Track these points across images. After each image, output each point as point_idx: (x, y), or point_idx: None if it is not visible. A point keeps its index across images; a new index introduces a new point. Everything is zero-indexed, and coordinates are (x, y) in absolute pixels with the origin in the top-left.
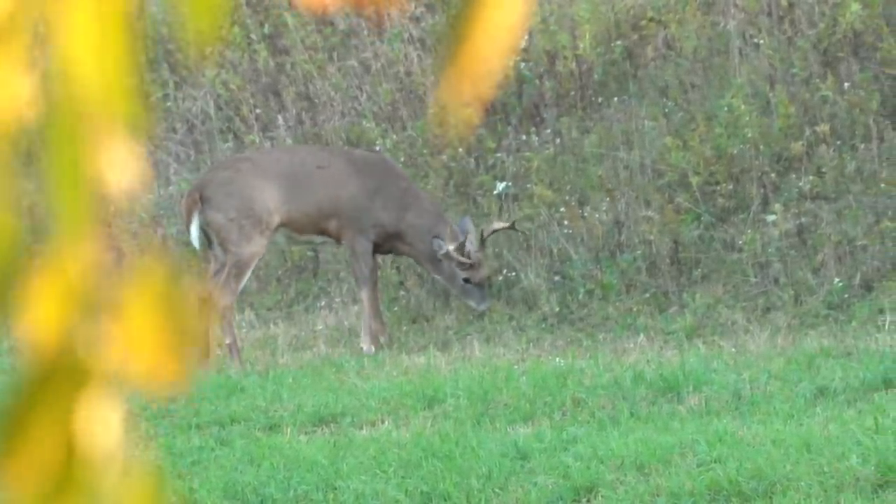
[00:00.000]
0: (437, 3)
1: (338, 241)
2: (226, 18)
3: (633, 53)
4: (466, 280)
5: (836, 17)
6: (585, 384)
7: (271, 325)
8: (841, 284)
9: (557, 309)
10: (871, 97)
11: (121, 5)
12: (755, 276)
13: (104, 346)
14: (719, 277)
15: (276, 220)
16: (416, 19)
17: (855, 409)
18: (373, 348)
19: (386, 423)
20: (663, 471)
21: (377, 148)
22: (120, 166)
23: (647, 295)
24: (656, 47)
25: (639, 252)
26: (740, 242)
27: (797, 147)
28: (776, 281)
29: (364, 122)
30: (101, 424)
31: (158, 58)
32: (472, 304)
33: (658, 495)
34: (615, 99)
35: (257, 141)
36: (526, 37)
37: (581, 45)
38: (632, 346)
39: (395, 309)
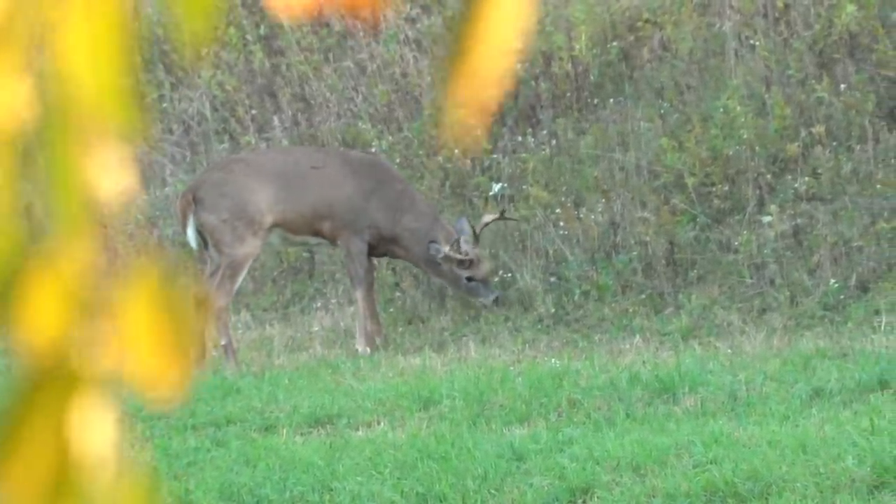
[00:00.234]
0: (433, 4)
1: (332, 242)
2: (220, 19)
3: (629, 55)
4: (470, 279)
5: (832, 18)
6: (581, 385)
7: (267, 327)
8: (837, 285)
9: (553, 310)
10: (867, 98)
11: (115, 7)
12: (751, 278)
13: (100, 348)
14: (715, 278)
15: (270, 220)
16: (412, 20)
17: (851, 410)
18: (368, 349)
19: (382, 424)
20: (659, 472)
21: (373, 149)
22: (114, 169)
23: (643, 296)
24: (652, 49)
25: (634, 253)
26: (736, 243)
27: (793, 148)
28: (772, 282)
29: (360, 124)
30: (97, 428)
31: (154, 59)
32: (481, 299)
33: (654, 496)
34: (611, 100)
35: (253, 142)
36: (522, 38)
37: (577, 47)
38: (628, 347)
39: (391, 310)
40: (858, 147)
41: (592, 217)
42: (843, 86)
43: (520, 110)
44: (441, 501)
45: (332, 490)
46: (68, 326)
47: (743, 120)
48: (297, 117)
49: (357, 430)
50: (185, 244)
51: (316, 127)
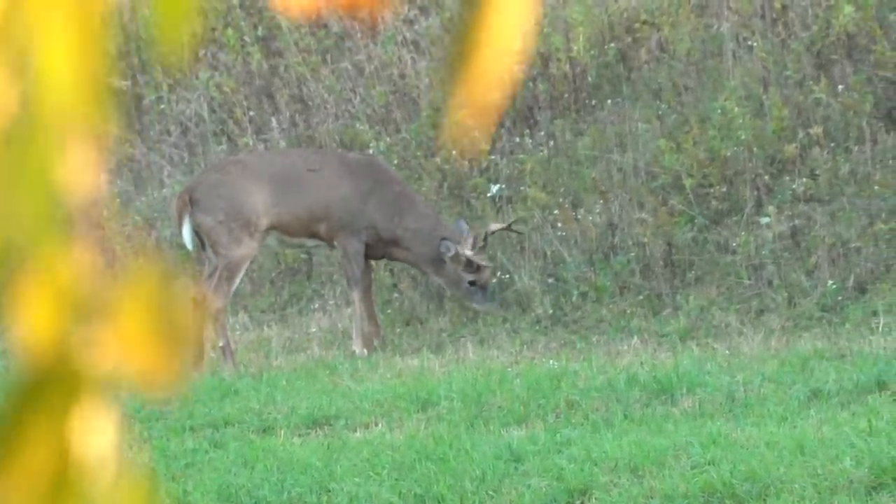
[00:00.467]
0: (431, 6)
1: (329, 243)
2: (215, 21)
3: (627, 56)
4: (472, 283)
5: (830, 19)
6: (579, 386)
7: (265, 328)
8: (834, 286)
9: (551, 311)
10: (865, 99)
11: (92, 7)
12: (749, 279)
13: (98, 349)
14: (713, 279)
15: (266, 222)
16: (410, 22)
17: (848, 411)
18: (365, 351)
19: (379, 425)
20: (657, 473)
21: (371, 150)
22: (85, 170)
23: (641, 297)
24: (650, 50)
25: (632, 254)
26: (734, 245)
27: (791, 149)
28: (770, 283)
29: (358, 125)
30: (96, 429)
31: (152, 60)
32: (477, 305)
33: (652, 497)
34: (609, 101)
35: (251, 143)
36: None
37: (575, 48)
38: (625, 348)
39: (389, 311)
40: (856, 148)
41: (590, 218)
42: (840, 87)
43: (517, 111)
44: (439, 502)
45: (329, 491)
46: (66, 327)
47: (741, 121)
48: (295, 118)
49: (355, 431)
50: (182, 245)
51: (314, 128)
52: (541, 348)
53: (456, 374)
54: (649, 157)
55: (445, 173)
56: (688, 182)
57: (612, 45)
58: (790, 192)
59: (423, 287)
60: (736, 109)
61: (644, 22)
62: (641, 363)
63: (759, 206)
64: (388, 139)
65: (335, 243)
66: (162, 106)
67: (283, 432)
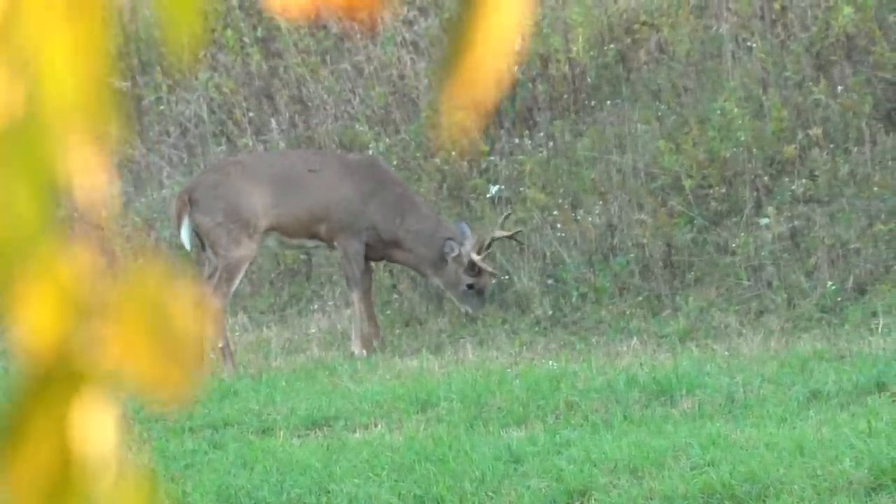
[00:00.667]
0: (430, 7)
1: (330, 244)
2: (215, 22)
3: (626, 57)
4: (470, 286)
5: (829, 20)
6: (579, 387)
7: (264, 329)
8: (834, 288)
9: (550, 312)
10: (864, 100)
11: (94, 7)
12: (748, 280)
13: (100, 350)
14: (712, 281)
15: (265, 223)
16: (409, 23)
17: (848, 412)
18: (364, 352)
19: (379, 426)
20: (656, 474)
21: (370, 151)
22: (90, 171)
23: (640, 298)
24: (649, 51)
25: (632, 255)
26: (733, 246)
27: (790, 150)
28: (769, 284)
29: (357, 126)
30: (98, 428)
31: (151, 61)
32: (469, 309)
33: (651, 499)
34: (608, 102)
35: (250, 144)
36: (519, 40)
37: (574, 49)
38: (625, 349)
39: (388, 312)
40: (856, 149)
41: (590, 219)
42: (840, 88)
43: (517, 112)
44: (438, 503)
45: (329, 492)
46: (68, 327)
47: (740, 122)
48: (295, 119)
49: (354, 432)
50: (181, 246)
51: (313, 129)
52: (540, 349)
53: (455, 375)
54: (649, 158)
55: (445, 174)
56: (687, 183)
57: (612, 46)
58: (789, 193)
59: (422, 288)
60: (735, 110)
61: (643, 23)
62: (641, 364)
63: (758, 207)
64: (387, 140)
65: (335, 244)
66: (161, 107)
67: (282, 433)
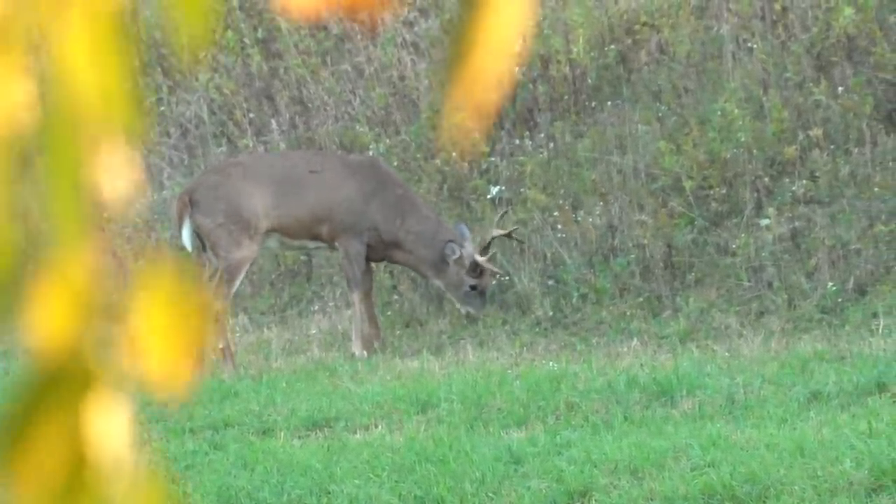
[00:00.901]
0: (431, 8)
1: (331, 245)
2: (218, 23)
3: (627, 58)
4: (473, 287)
5: (830, 21)
6: (579, 388)
7: (265, 330)
8: (834, 288)
9: (551, 313)
10: (865, 101)
11: (115, 10)
12: (749, 280)
13: (112, 350)
14: (713, 281)
15: (266, 224)
16: (410, 24)
17: (848, 413)
18: (365, 353)
19: (379, 427)
20: (657, 475)
21: (370, 152)
22: (116, 172)
23: (641, 299)
24: (650, 51)
25: (632, 256)
26: (734, 246)
27: (790, 151)
28: (770, 285)
29: (357, 127)
30: (110, 429)
31: (152, 62)
32: (472, 311)
33: (652, 499)
34: (609, 103)
35: (251, 145)
36: (520, 41)
37: (575, 50)
38: (625, 350)
39: (389, 313)
40: (856, 150)
41: (590, 220)
42: (840, 89)
43: (517, 113)
44: None
45: (329, 493)
46: (79, 327)
47: (741, 123)
48: (295, 120)
49: (355, 433)
50: (182, 247)
51: (313, 130)
52: (541, 350)
53: (456, 375)
54: (649, 158)
55: (445, 175)
56: (688, 184)
57: (612, 46)
58: (790, 193)
59: (422, 289)
60: (736, 111)
61: (644, 24)
62: (641, 365)
63: (758, 208)
64: (387, 141)
65: (336, 245)
66: (162, 108)
67: (282, 434)
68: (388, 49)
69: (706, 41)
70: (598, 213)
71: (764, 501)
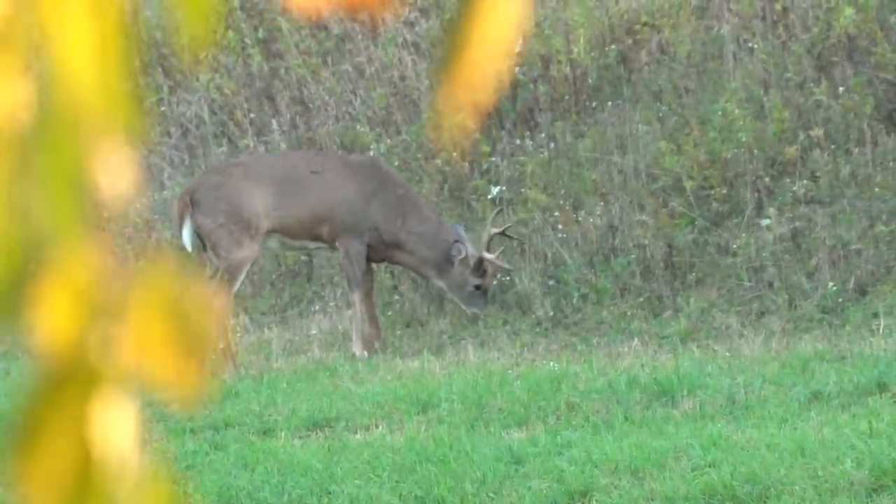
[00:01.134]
0: (432, 8)
1: (332, 245)
2: (219, 23)
3: (628, 58)
4: (477, 287)
5: (830, 21)
6: (580, 388)
7: (265, 330)
8: (835, 288)
9: (552, 313)
10: (865, 101)
11: (116, 10)
12: (749, 281)
13: (117, 349)
14: (713, 281)
15: (266, 225)
16: (411, 24)
17: (849, 413)
18: (365, 353)
19: (380, 427)
20: (658, 475)
21: (371, 152)
22: (115, 171)
23: (642, 299)
24: (650, 52)
25: (633, 256)
26: (734, 246)
27: (791, 151)
28: (770, 285)
29: (358, 127)
30: (116, 428)
31: (153, 62)
32: (476, 310)
33: (652, 499)
34: (609, 103)
35: (251, 145)
36: (520, 41)
37: (575, 50)
38: (626, 350)
39: (390, 313)
40: (857, 150)
41: (591, 220)
42: (841, 89)
43: (518, 113)
44: None
45: (330, 493)
46: (83, 327)
47: (741, 123)
48: (296, 120)
49: (355, 433)
50: (183, 247)
51: (314, 130)
52: (541, 350)
53: (456, 376)
54: (650, 158)
55: (446, 175)
56: (688, 184)
57: (613, 46)
58: (791, 194)
59: (423, 289)
60: (736, 111)
61: (644, 24)
62: (642, 365)
63: (759, 208)
64: (388, 141)
65: (337, 245)
66: (162, 108)
67: (283, 434)
68: (389, 49)
69: (707, 41)
70: (598, 213)
71: (765, 501)
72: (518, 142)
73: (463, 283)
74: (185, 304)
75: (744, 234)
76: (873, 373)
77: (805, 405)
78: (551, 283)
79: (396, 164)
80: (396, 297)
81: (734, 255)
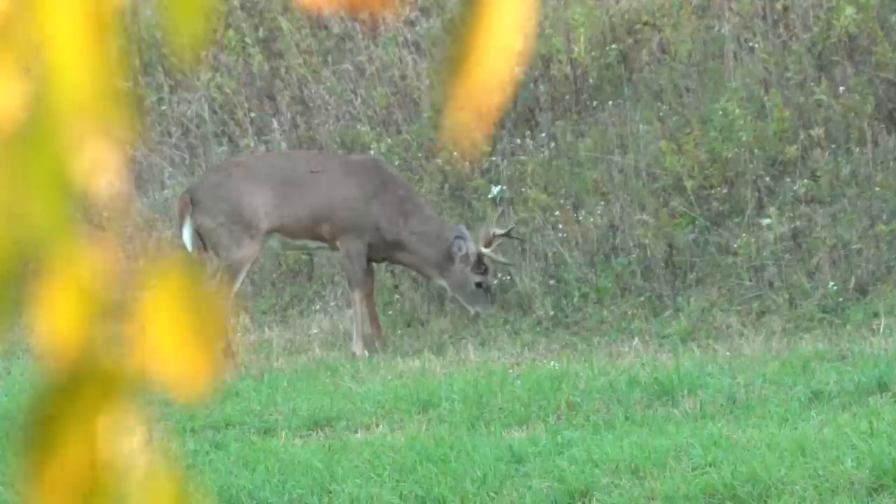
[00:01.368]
0: (432, 7)
1: (332, 245)
2: (218, 22)
3: (628, 57)
4: (478, 284)
5: (831, 20)
6: (580, 388)
7: (266, 329)
8: (836, 288)
9: (552, 312)
10: (866, 101)
11: (107, 9)
12: (750, 280)
13: (126, 350)
14: (714, 281)
15: (267, 224)
16: (411, 23)
17: (850, 412)
18: (366, 352)
19: (381, 426)
20: (658, 474)
21: (371, 152)
22: (108, 170)
23: (642, 298)
24: (651, 51)
25: (633, 256)
26: (735, 246)
27: (792, 151)
28: (771, 284)
29: (359, 126)
30: (125, 429)
31: (153, 61)
32: (480, 309)
33: (653, 499)
34: (610, 103)
35: (252, 145)
36: (521, 40)
37: (576, 49)
38: (626, 349)
39: (390, 312)
40: (857, 149)
41: (591, 220)
42: (842, 88)
43: (519, 113)
44: None
45: (330, 493)
46: (91, 328)
47: (742, 122)
48: (296, 120)
49: (356, 432)
50: (182, 247)
51: (315, 129)
52: (542, 350)
53: (457, 375)
54: (650, 158)
55: (446, 174)
56: (689, 183)
57: (614, 46)
58: (791, 193)
59: (424, 288)
60: (737, 111)
61: (645, 23)
62: (642, 364)
63: (760, 208)
64: (388, 140)
65: (338, 244)
66: (163, 107)
67: (284, 434)
68: (390, 48)
69: (707, 41)
70: (599, 212)
71: (765, 501)
72: (518, 141)
73: (464, 282)
74: (195, 300)
75: (744, 234)
76: (874, 372)
77: (805, 405)
78: (552, 282)
79: (397, 163)
80: (397, 296)
81: (735, 254)
